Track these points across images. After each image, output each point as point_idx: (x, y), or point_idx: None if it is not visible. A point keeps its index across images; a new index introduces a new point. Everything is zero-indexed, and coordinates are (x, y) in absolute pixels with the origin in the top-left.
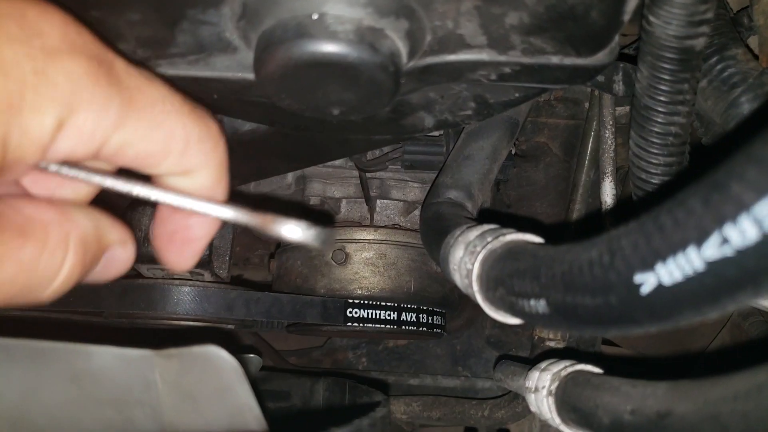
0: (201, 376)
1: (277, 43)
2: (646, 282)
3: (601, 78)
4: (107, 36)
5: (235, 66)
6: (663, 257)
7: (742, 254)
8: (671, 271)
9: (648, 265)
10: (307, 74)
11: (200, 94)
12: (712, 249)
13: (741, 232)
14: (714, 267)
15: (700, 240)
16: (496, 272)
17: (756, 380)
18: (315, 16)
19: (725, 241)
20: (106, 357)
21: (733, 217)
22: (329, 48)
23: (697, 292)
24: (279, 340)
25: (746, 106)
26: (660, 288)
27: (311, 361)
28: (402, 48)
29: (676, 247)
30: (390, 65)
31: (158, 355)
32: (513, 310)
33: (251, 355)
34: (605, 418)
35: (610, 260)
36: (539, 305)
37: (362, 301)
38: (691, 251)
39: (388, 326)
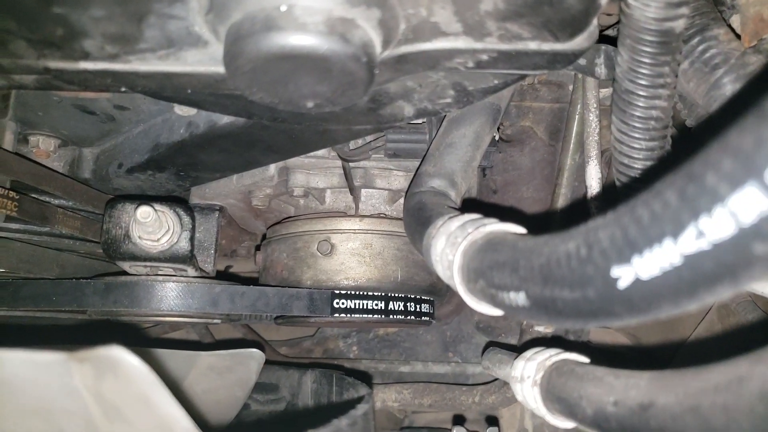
0: (116, 382)
1: (245, 36)
2: (624, 276)
3: (582, 61)
4: (72, 33)
5: (207, 60)
6: (639, 250)
7: (719, 248)
8: (648, 264)
9: (625, 258)
10: (278, 67)
11: (173, 90)
12: (688, 242)
13: (716, 225)
14: (691, 261)
15: (675, 233)
16: (477, 264)
17: (737, 372)
18: (284, 8)
19: (701, 234)
20: (15, 362)
21: (708, 209)
22: (299, 40)
23: (675, 285)
24: (270, 330)
25: (728, 87)
26: (637, 282)
27: (302, 350)
28: (375, 38)
29: (652, 240)
30: (363, 56)
31: (71, 359)
32: (494, 302)
33: (253, 350)
34: (589, 408)
35: (588, 253)
36: (519, 298)
37: (349, 292)
38: (668, 244)
39: (375, 316)
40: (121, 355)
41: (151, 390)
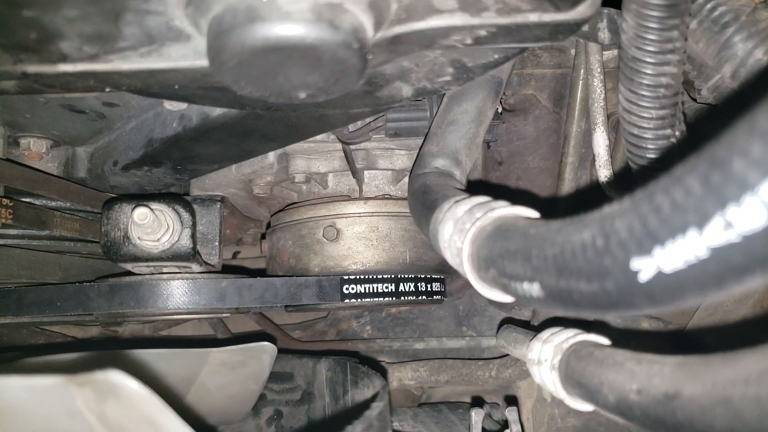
0: (118, 405)
1: (227, 30)
2: (645, 269)
3: (584, 27)
4: (46, 36)
5: (191, 54)
6: (661, 242)
7: (750, 239)
8: (671, 257)
9: (645, 250)
10: (265, 60)
11: (160, 87)
12: (715, 234)
13: (747, 216)
14: (719, 253)
15: (700, 224)
16: (487, 252)
17: None
18: None
19: (729, 225)
20: (14, 389)
21: (736, 198)
22: (284, 31)
23: (700, 278)
24: (282, 314)
25: (740, 46)
26: (660, 275)
27: (316, 333)
28: (365, 21)
29: (674, 231)
30: (353, 42)
31: (71, 382)
32: (507, 291)
33: (264, 343)
34: (611, 396)
35: (604, 244)
36: (533, 289)
37: (358, 277)
38: (692, 236)
39: (386, 298)
40: (119, 379)
41: (155, 413)
